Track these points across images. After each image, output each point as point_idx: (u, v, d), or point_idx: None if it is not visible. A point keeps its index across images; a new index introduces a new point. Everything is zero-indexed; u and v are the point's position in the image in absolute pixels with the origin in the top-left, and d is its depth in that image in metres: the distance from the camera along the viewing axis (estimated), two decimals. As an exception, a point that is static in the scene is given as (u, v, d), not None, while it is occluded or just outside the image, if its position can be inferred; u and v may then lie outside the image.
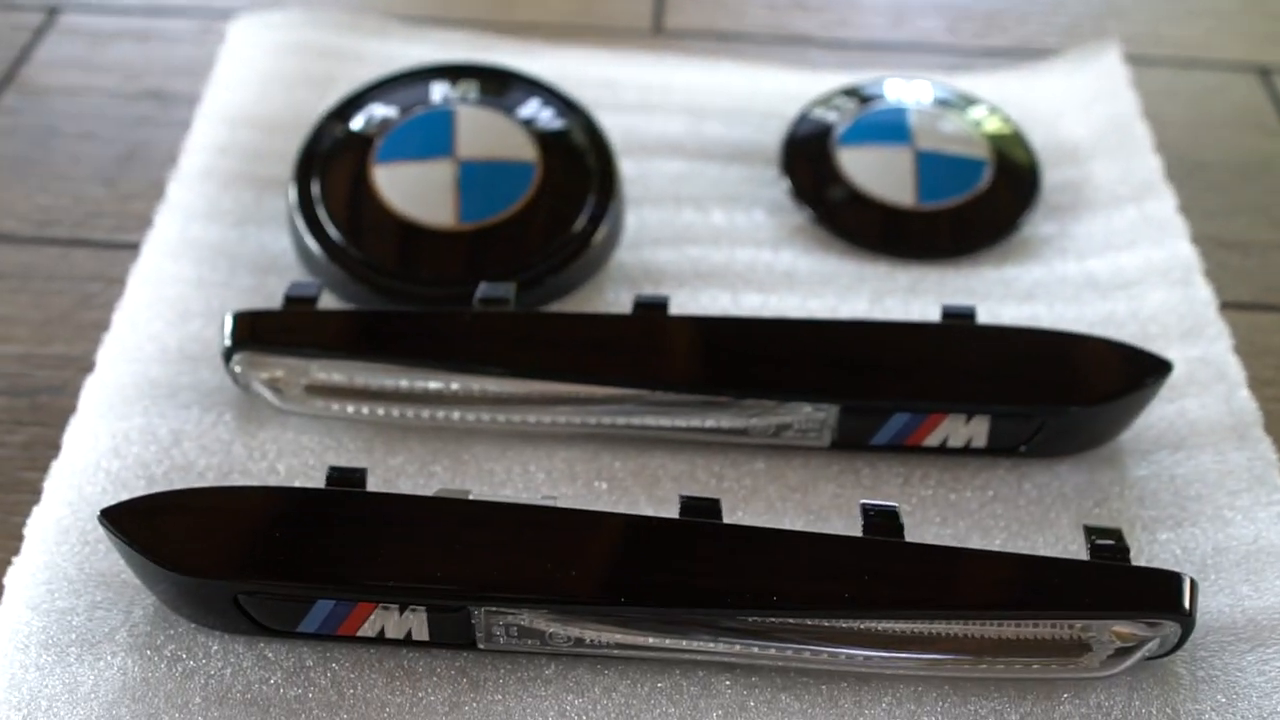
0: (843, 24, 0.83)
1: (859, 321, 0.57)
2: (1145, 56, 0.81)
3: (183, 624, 0.49)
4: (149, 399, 0.57)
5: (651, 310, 0.57)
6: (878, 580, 0.48)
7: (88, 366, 0.59)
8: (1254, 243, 0.69)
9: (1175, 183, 0.71)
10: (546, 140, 0.65)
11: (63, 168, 0.70)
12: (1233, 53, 0.82)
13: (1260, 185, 0.73)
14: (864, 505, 0.50)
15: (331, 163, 0.64)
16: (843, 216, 0.66)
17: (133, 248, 0.64)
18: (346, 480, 0.50)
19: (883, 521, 0.49)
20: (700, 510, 0.50)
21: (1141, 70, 0.79)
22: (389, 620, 0.48)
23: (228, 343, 0.55)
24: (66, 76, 0.76)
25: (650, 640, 0.48)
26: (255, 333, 0.56)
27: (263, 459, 0.55)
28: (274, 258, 0.64)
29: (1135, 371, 0.55)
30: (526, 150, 0.64)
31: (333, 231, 0.62)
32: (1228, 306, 0.65)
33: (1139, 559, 0.53)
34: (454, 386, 0.56)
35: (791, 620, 0.48)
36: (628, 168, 0.68)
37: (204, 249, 0.63)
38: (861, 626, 0.48)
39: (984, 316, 0.62)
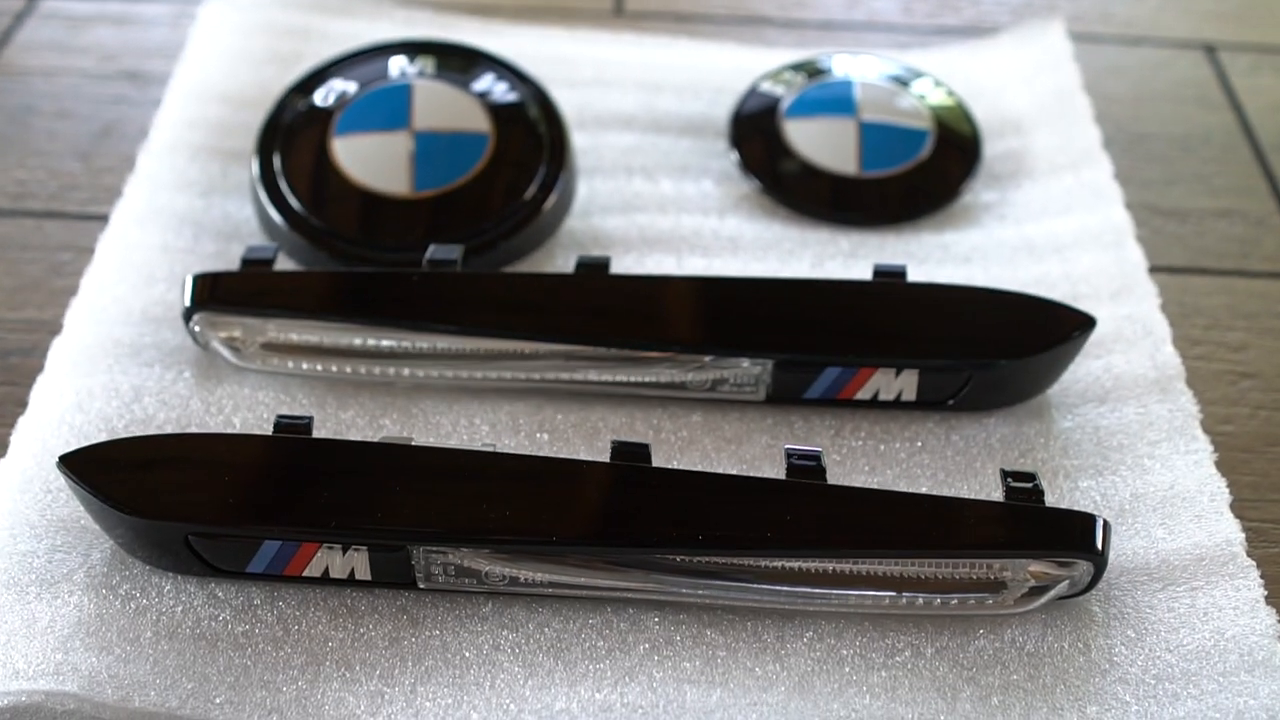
0: (800, 5, 0.85)
1: (792, 280, 0.60)
2: (1093, 34, 0.83)
3: (138, 566, 0.52)
4: (112, 357, 0.59)
5: (592, 270, 0.59)
6: (799, 521, 0.50)
7: (57, 329, 0.61)
8: (1190, 210, 0.71)
9: (1117, 153, 0.73)
10: (500, 113, 0.67)
11: (40, 144, 0.73)
12: (1179, 30, 0.84)
13: (1199, 156, 0.75)
14: (788, 449, 0.52)
15: (293, 135, 0.66)
16: (788, 185, 0.69)
17: (103, 219, 0.67)
18: (293, 428, 0.52)
19: (805, 465, 0.52)
20: (630, 454, 0.52)
21: (1089, 47, 0.81)
22: (333, 560, 0.51)
23: (188, 303, 0.58)
24: (45, 59, 0.79)
25: (583, 579, 0.51)
26: (214, 293, 0.58)
27: (219, 413, 0.58)
28: (237, 225, 0.66)
29: (1059, 326, 0.58)
30: (481, 122, 0.66)
31: (293, 201, 0.64)
32: (1161, 270, 0.67)
33: (1060, 505, 0.55)
34: (403, 343, 0.58)
35: (717, 559, 0.50)
36: (581, 140, 0.70)
37: (170, 217, 0.66)
38: (784, 565, 0.51)
39: (921, 278, 0.64)
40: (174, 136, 0.70)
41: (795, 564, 0.51)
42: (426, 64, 0.69)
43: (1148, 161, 0.74)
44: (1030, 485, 0.52)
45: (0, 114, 0.75)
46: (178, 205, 0.67)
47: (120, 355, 0.59)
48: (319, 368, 0.58)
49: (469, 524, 0.50)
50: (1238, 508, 0.56)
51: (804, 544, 0.50)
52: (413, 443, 0.52)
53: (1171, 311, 0.65)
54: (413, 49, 0.70)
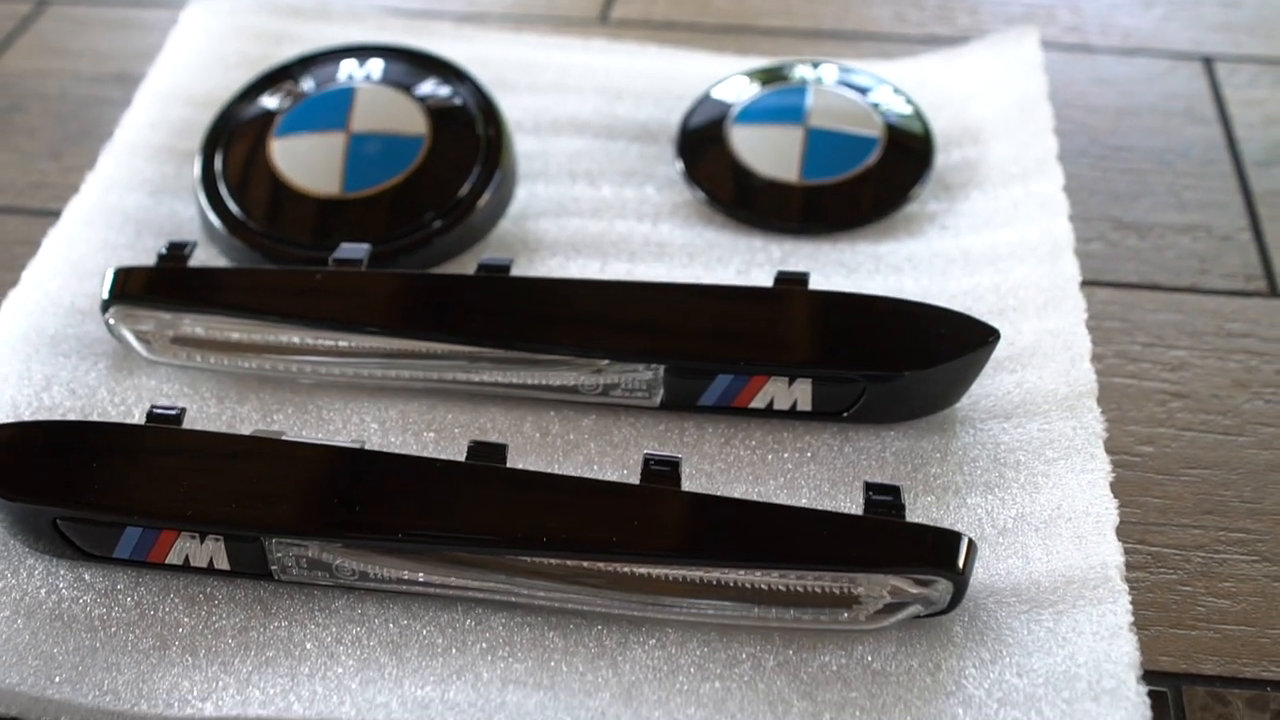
0: (788, 14, 0.84)
1: (689, 285, 0.59)
2: (1088, 45, 0.81)
3: (17, 548, 0.53)
4: (33, 347, 0.61)
5: (493, 272, 0.59)
6: (647, 526, 0.49)
7: (-6, 321, 0.63)
8: (1153, 225, 0.69)
9: (1088, 166, 0.71)
10: (439, 115, 0.67)
11: (19, 143, 0.76)
12: (1180, 42, 0.81)
13: (1174, 169, 0.72)
14: (646, 455, 0.51)
15: (236, 136, 0.68)
16: (727, 192, 0.68)
17: (59, 215, 0.69)
18: (164, 418, 0.54)
19: (661, 471, 0.51)
20: (486, 454, 0.52)
21: (1081, 57, 0.79)
22: (193, 549, 0.51)
23: (105, 296, 0.59)
24: (43, 61, 0.82)
25: (435, 577, 0.51)
26: (128, 287, 0.59)
27: (122, 404, 0.59)
28: (181, 224, 0.68)
29: (960, 339, 0.56)
30: (418, 125, 0.67)
31: (230, 200, 0.66)
32: (1110, 284, 0.65)
33: (944, 522, 0.54)
34: (306, 340, 0.59)
35: (565, 561, 0.50)
36: (530, 145, 0.71)
37: (117, 215, 0.68)
38: (632, 570, 0.50)
39: (849, 288, 0.63)
40: (135, 136, 0.72)
41: (642, 570, 0.50)
42: (374, 68, 0.70)
43: (1120, 174, 0.72)
44: (890, 499, 0.50)
45: (-10, 115, 0.78)
46: (127, 204, 0.68)
47: (40, 345, 0.61)
48: (225, 362, 0.60)
49: (317, 518, 0.50)
50: (1139, 532, 0.54)
51: (649, 550, 0.49)
52: (284, 437, 0.53)
53: (1112, 327, 0.63)
54: (364, 53, 0.70)
